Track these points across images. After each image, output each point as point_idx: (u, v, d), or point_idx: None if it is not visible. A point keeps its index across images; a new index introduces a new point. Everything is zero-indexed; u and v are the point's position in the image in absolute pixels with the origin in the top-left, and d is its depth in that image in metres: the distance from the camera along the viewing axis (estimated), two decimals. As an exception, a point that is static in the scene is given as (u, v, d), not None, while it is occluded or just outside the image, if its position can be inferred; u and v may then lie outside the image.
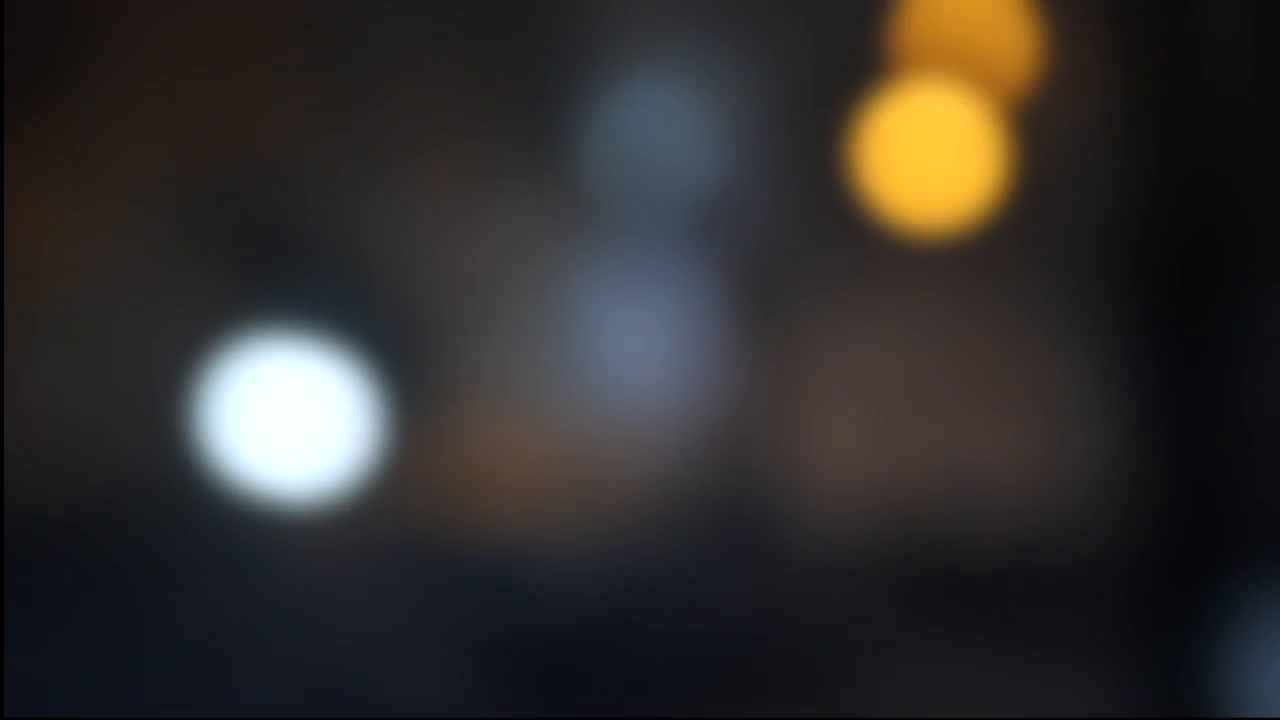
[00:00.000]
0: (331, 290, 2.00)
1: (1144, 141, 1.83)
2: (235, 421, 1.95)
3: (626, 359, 1.95)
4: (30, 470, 1.88)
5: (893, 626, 1.85)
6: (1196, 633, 1.80)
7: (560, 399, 1.94)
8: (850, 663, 1.89)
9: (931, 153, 1.85)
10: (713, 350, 1.96)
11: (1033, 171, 1.83)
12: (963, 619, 1.84)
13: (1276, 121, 1.82)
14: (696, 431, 1.93)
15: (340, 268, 1.98)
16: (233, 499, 1.96)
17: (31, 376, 1.85)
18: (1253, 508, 1.81)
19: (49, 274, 1.92)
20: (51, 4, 1.92)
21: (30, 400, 1.88)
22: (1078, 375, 1.83)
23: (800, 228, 1.93)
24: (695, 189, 1.93)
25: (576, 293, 1.94)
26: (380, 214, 1.94)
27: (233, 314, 1.96)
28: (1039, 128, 1.84)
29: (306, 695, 1.90)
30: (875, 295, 1.85)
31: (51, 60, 1.93)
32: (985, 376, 1.86)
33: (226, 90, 1.94)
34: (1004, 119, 1.84)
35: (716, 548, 1.93)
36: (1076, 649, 1.85)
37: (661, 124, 1.92)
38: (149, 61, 1.95)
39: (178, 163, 1.94)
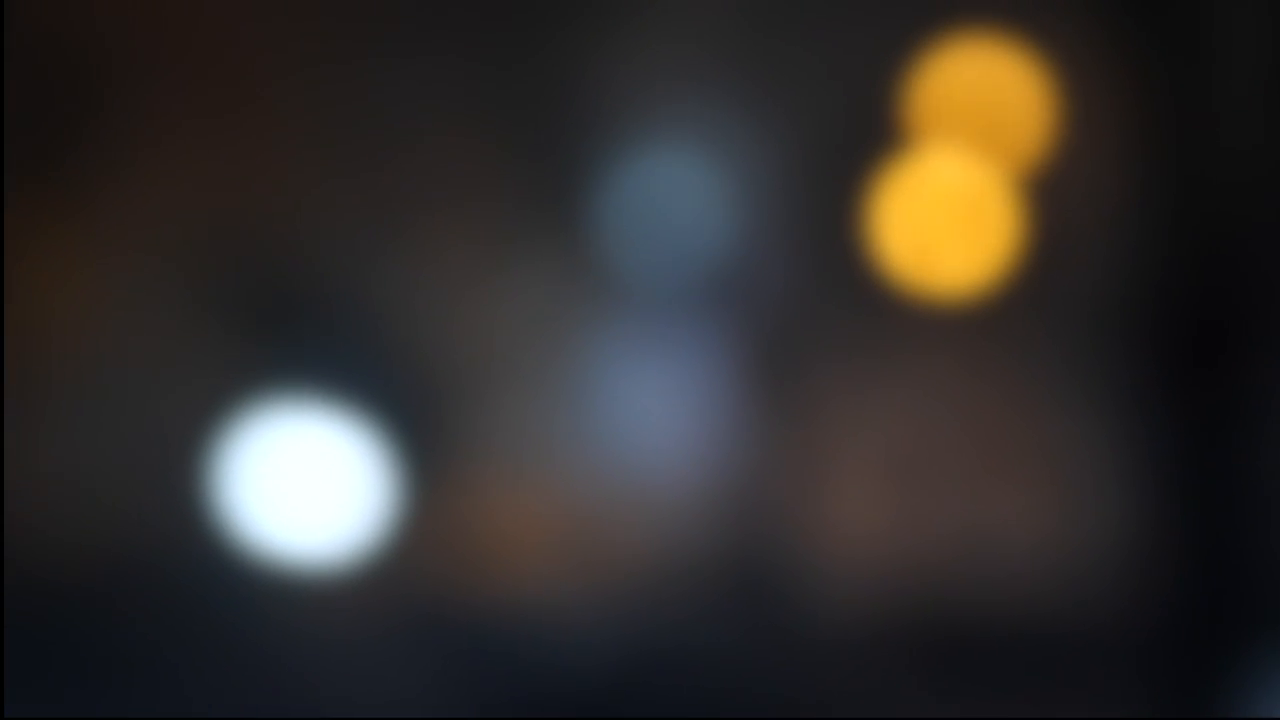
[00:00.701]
0: (347, 355, 2.00)
1: (1158, 209, 1.83)
2: (251, 486, 1.95)
3: (641, 424, 1.94)
4: (46, 534, 1.87)
5: (906, 690, 1.84)
6: (1212, 698, 1.79)
7: (574, 464, 1.94)
8: (864, 727, 1.88)
9: (946, 220, 1.85)
10: (727, 416, 1.95)
11: (1047, 239, 1.82)
12: (977, 683, 1.83)
13: None
14: (711, 497, 1.92)
15: (355, 332, 1.98)
16: (248, 562, 1.96)
17: (49, 442, 1.85)
18: (1269, 572, 1.80)
19: (66, 340, 1.93)
20: (70, 71, 1.93)
21: (47, 465, 1.88)
22: (1092, 441, 1.82)
23: (815, 294, 1.93)
24: (710, 255, 1.93)
25: (591, 358, 1.94)
26: (395, 280, 1.95)
27: (248, 379, 1.96)
28: (1053, 195, 1.84)
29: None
30: (890, 362, 1.84)
31: (69, 126, 1.94)
32: (1000, 442, 1.85)
33: (242, 156, 1.95)
34: (1018, 186, 1.84)
35: (730, 612, 1.92)
36: (1091, 714, 1.83)
37: (677, 191, 1.92)
38: (165, 127, 1.95)
39: (194, 228, 1.94)
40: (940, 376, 1.83)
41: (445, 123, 1.97)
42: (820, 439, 1.87)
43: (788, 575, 1.89)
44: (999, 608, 1.84)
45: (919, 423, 1.83)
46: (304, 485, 1.95)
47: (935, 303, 1.84)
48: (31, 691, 1.75)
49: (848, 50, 1.86)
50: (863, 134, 1.84)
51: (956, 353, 1.83)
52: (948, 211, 1.84)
